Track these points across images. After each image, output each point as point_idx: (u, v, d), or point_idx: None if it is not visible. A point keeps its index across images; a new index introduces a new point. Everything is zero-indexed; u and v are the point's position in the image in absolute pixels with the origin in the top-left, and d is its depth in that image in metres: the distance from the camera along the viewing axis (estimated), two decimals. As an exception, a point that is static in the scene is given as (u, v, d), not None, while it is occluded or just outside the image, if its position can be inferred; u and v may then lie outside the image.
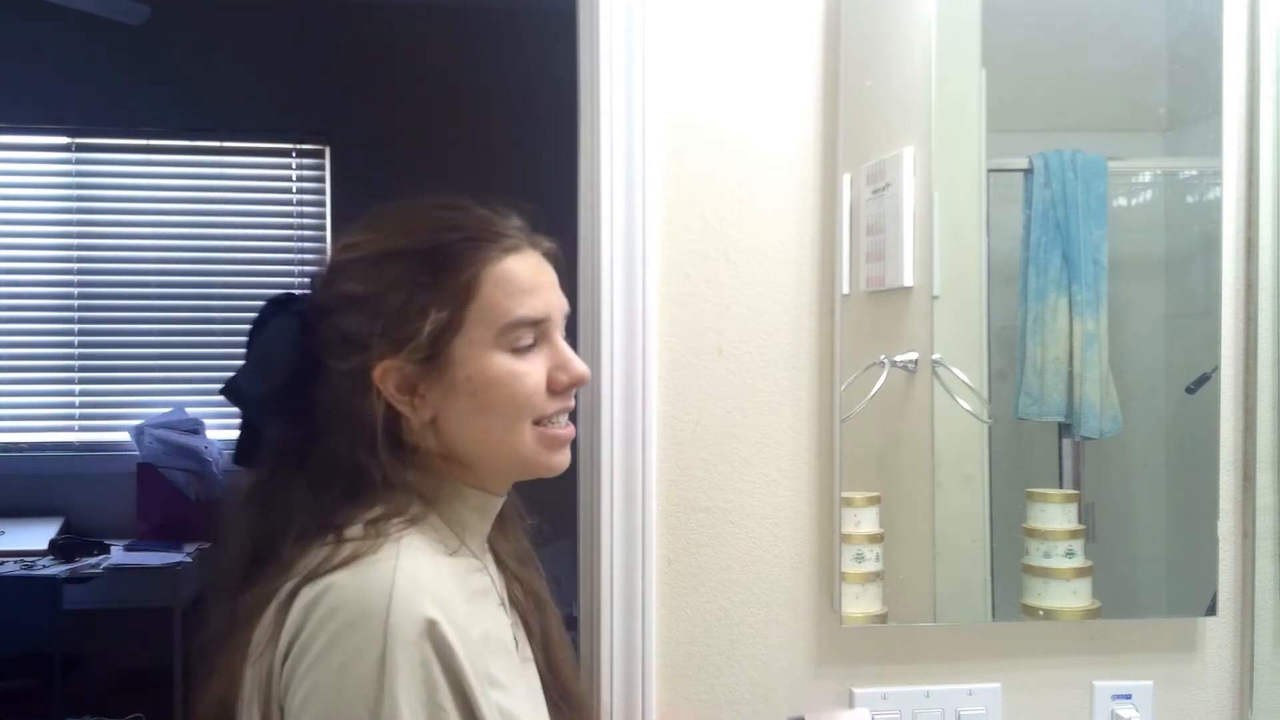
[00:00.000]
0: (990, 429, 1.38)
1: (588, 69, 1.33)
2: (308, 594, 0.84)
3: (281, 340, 0.93)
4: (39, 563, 3.54)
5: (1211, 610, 1.42)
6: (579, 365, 0.97)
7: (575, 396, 1.00)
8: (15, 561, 3.53)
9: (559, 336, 0.97)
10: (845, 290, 1.34)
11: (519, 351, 0.93)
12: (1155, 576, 1.46)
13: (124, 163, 4.22)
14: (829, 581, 1.36)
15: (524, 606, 1.05)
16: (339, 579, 0.84)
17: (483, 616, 0.93)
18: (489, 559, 1.01)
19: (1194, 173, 1.45)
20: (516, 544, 1.07)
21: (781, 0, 1.34)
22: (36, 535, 3.70)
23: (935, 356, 1.35)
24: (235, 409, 0.96)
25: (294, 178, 4.30)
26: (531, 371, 0.94)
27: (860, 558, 1.34)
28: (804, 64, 1.35)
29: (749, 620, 1.36)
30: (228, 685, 0.88)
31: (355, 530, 0.88)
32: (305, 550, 0.88)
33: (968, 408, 1.37)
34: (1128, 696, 1.41)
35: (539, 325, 0.94)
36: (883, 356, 1.34)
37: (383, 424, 0.91)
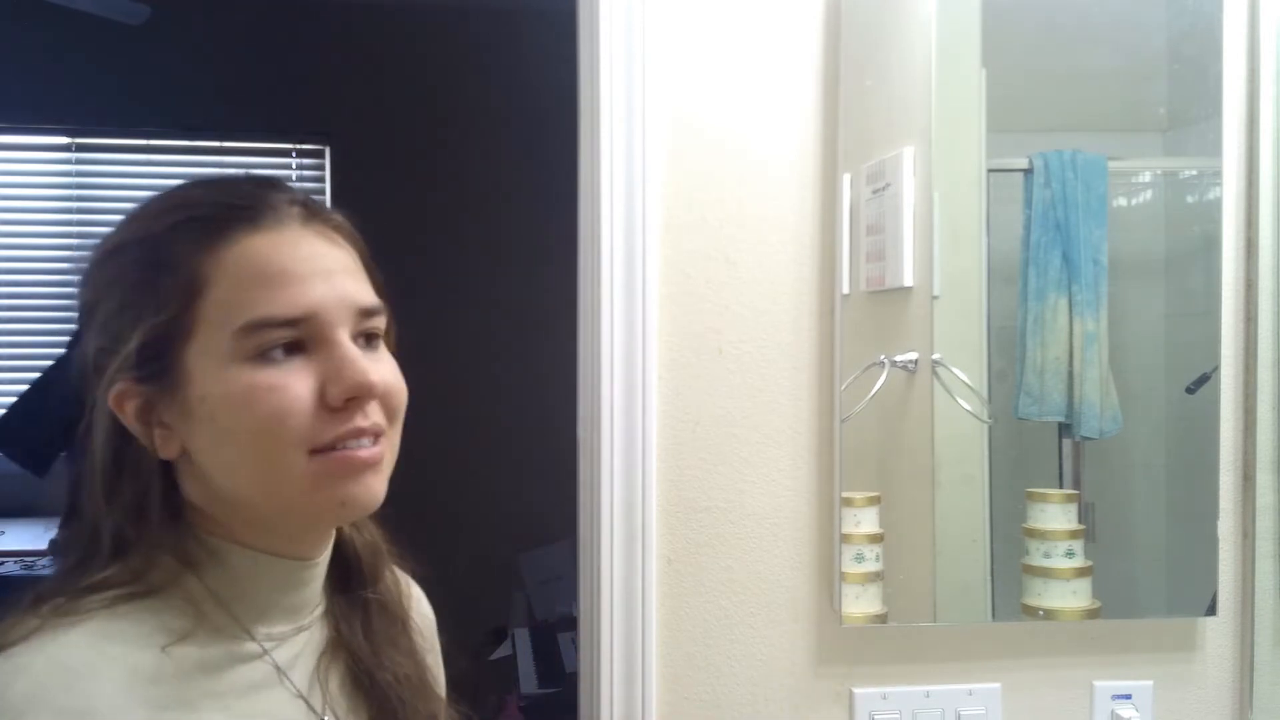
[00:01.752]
0: (990, 429, 1.38)
1: (588, 69, 1.33)
2: None
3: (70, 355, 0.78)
4: (39, 563, 3.54)
5: (1211, 610, 1.42)
6: (356, 372, 0.72)
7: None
8: (15, 561, 3.53)
9: (341, 337, 0.73)
10: (845, 290, 1.34)
11: (271, 361, 0.71)
12: (1155, 576, 1.46)
13: (124, 163, 4.22)
14: (829, 581, 1.36)
15: (379, 691, 0.83)
16: None
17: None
18: (305, 636, 0.80)
19: (1194, 173, 1.45)
20: (379, 635, 0.85)
21: (781, 0, 1.34)
22: (36, 535, 3.70)
23: (935, 356, 1.35)
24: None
25: (294, 178, 4.30)
26: (289, 385, 0.71)
27: (860, 558, 1.34)
28: (804, 64, 1.35)
29: (749, 620, 1.36)
30: None
31: (55, 602, 0.70)
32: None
33: (968, 408, 1.37)
34: (1128, 696, 1.41)
35: (298, 325, 0.72)
36: (883, 356, 1.34)
37: (113, 460, 0.73)
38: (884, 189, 1.34)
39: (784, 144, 1.35)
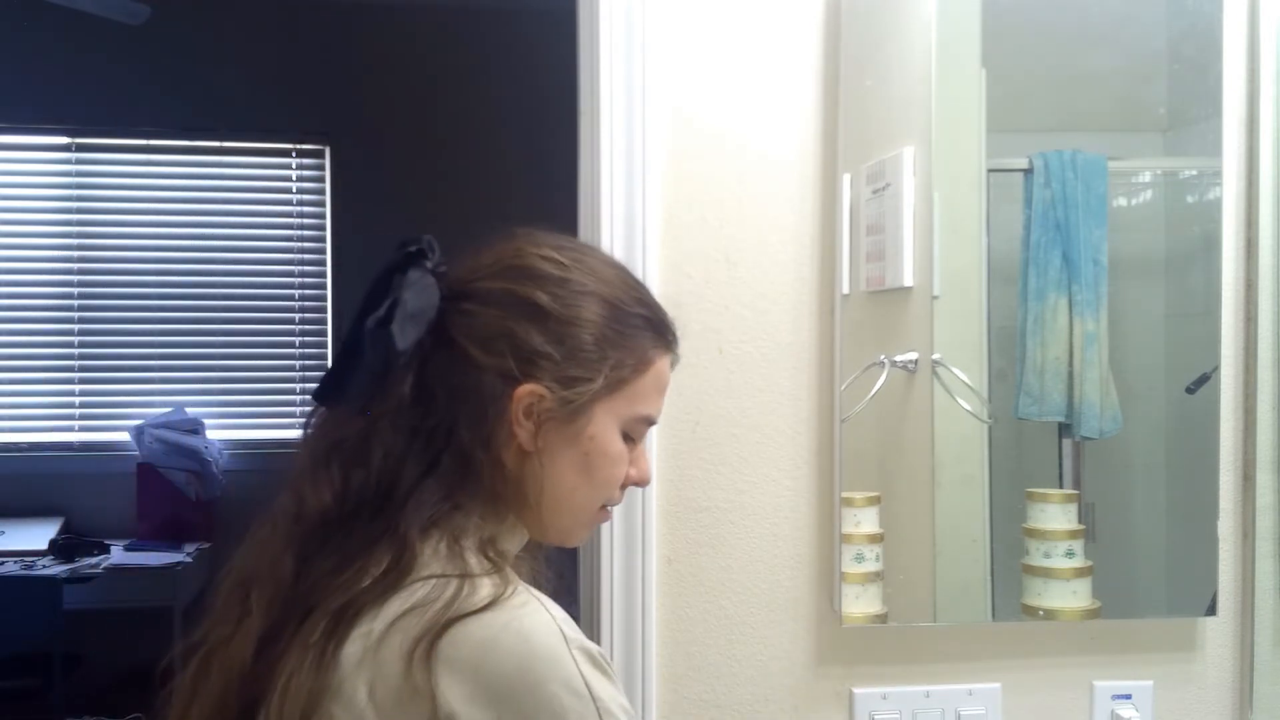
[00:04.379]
0: (990, 429, 1.38)
1: (588, 69, 1.33)
2: (469, 637, 0.80)
3: (426, 296, 0.90)
4: (39, 563, 3.54)
5: (1211, 610, 1.42)
6: (648, 469, 1.00)
7: None
8: (15, 561, 3.54)
9: (645, 440, 0.99)
10: (845, 290, 1.34)
11: (627, 440, 0.95)
12: (1155, 576, 1.46)
13: (124, 163, 4.22)
14: (829, 581, 1.36)
15: None
16: (500, 620, 0.82)
17: None
18: None
19: (1194, 173, 1.45)
20: None
21: (781, 1, 1.34)
22: (36, 535, 3.71)
23: (935, 356, 1.35)
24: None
25: (294, 178, 4.30)
26: (626, 461, 0.96)
27: (860, 558, 1.34)
28: (804, 64, 1.35)
29: (749, 620, 1.36)
30: (262, 675, 0.84)
31: (473, 560, 0.87)
32: (422, 546, 0.86)
33: (968, 408, 1.37)
34: (1128, 696, 1.41)
35: (651, 425, 0.98)
36: (883, 356, 1.34)
37: (504, 433, 0.90)
38: (884, 189, 1.34)
39: (784, 144, 1.35)
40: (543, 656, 0.81)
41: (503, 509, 0.92)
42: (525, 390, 0.89)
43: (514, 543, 0.95)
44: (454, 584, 0.83)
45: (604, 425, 0.93)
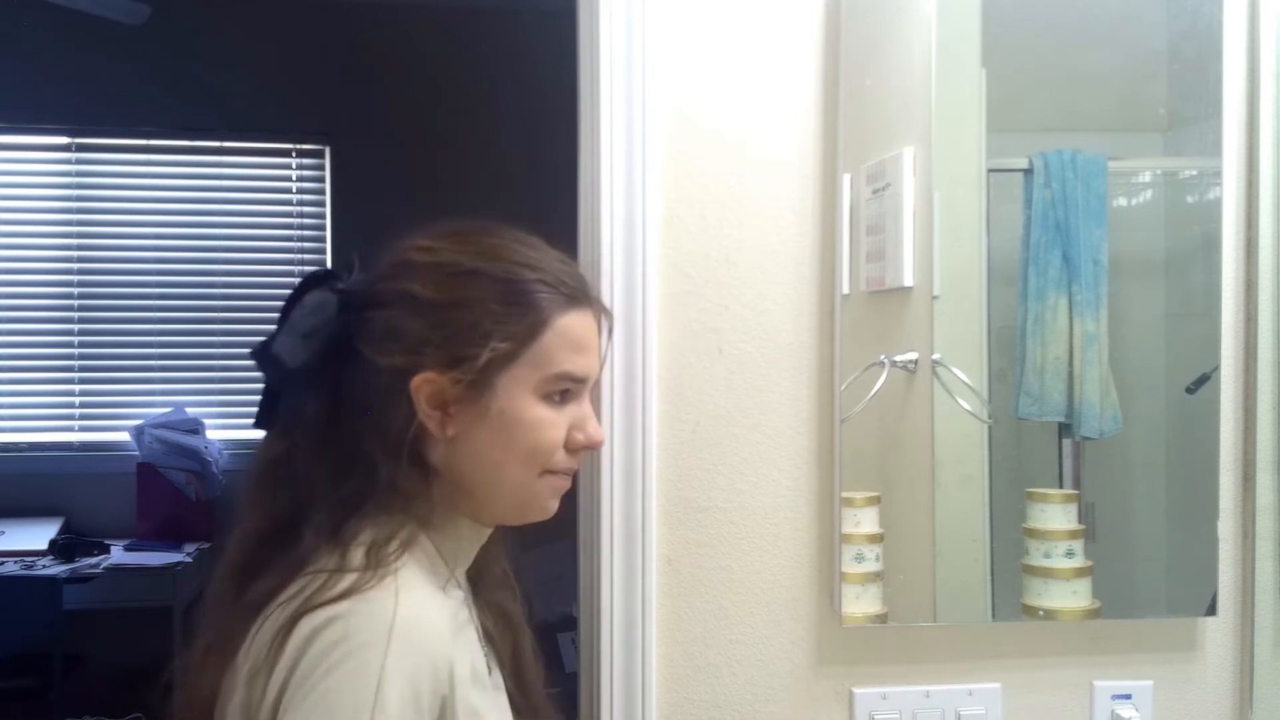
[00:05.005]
0: (990, 429, 1.38)
1: (588, 69, 1.33)
2: (308, 623, 0.84)
3: (320, 314, 0.93)
4: (39, 563, 3.54)
5: (1211, 610, 1.42)
6: (596, 430, 0.98)
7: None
8: (15, 561, 3.54)
9: (587, 398, 0.98)
10: (845, 290, 1.34)
11: (552, 402, 0.94)
12: (1155, 576, 1.46)
13: (124, 163, 4.22)
14: (829, 581, 1.36)
15: (497, 630, 1.05)
16: (341, 610, 0.84)
17: (467, 649, 0.94)
18: (465, 583, 1.01)
19: (1194, 173, 1.45)
20: (495, 568, 1.06)
21: (781, 1, 1.34)
22: (36, 535, 3.71)
23: (935, 356, 1.35)
24: (258, 377, 0.95)
25: (294, 178, 4.30)
26: (558, 424, 0.94)
27: (860, 558, 1.34)
28: (804, 64, 1.35)
29: (749, 620, 1.36)
30: (211, 689, 0.89)
31: (357, 556, 0.88)
32: (317, 552, 0.89)
33: (968, 408, 1.37)
34: (1128, 696, 1.41)
35: (579, 382, 0.96)
36: (883, 356, 1.34)
37: (411, 431, 0.91)
38: (884, 189, 1.34)
39: (784, 144, 1.35)
40: (351, 652, 0.82)
41: (423, 508, 0.93)
42: (419, 380, 0.91)
43: (454, 539, 0.96)
44: (322, 577, 0.86)
45: (513, 395, 0.92)
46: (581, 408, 0.97)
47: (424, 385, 0.91)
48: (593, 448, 0.99)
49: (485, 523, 0.99)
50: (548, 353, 0.93)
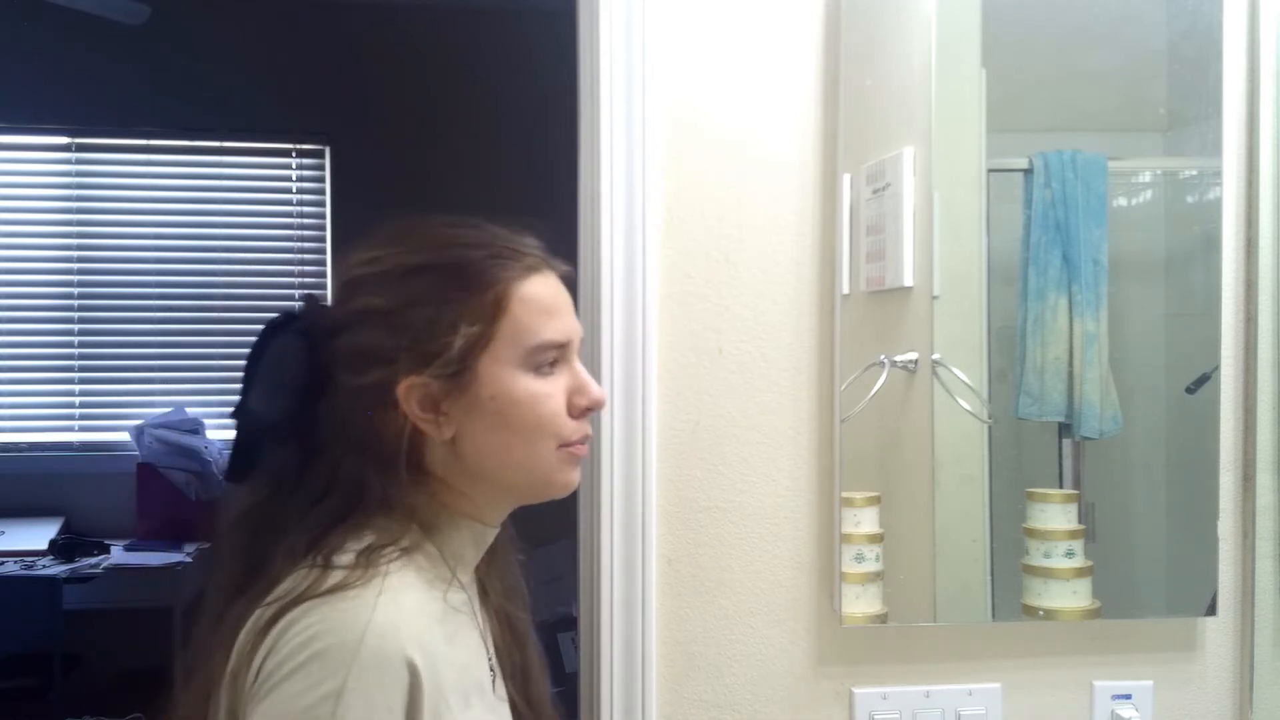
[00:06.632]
0: (990, 429, 1.38)
1: (588, 70, 1.33)
2: (286, 619, 0.83)
3: (288, 360, 0.92)
4: (39, 563, 3.54)
5: (1211, 610, 1.42)
6: (596, 390, 0.95)
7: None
8: (15, 561, 3.53)
9: (576, 360, 0.96)
10: (845, 290, 1.34)
11: (542, 373, 0.92)
12: (1155, 576, 1.46)
13: (124, 163, 4.22)
14: (829, 581, 1.36)
15: (505, 641, 1.03)
16: (317, 608, 0.83)
17: (462, 654, 0.92)
18: (474, 591, 0.99)
19: (1194, 173, 1.45)
20: (505, 576, 1.04)
21: (781, 1, 1.34)
22: (36, 535, 3.70)
23: (935, 356, 1.35)
24: (234, 424, 0.94)
25: (294, 178, 4.30)
26: (554, 394, 0.92)
27: (860, 558, 1.34)
28: (804, 64, 1.35)
29: (749, 620, 1.36)
30: (202, 700, 0.88)
31: (345, 558, 0.86)
32: (293, 568, 0.87)
33: (968, 408, 1.37)
34: (1128, 696, 1.41)
35: (562, 348, 0.93)
36: (883, 356, 1.34)
37: (404, 440, 0.90)
38: (884, 189, 1.34)
39: (784, 144, 1.35)
40: (316, 655, 0.80)
41: (426, 514, 0.92)
42: (404, 387, 0.89)
43: (456, 541, 0.94)
44: (315, 573, 0.85)
45: (498, 376, 0.90)
46: (575, 372, 0.95)
47: (410, 391, 0.89)
48: (595, 409, 0.96)
49: (488, 521, 0.97)
50: (521, 325, 0.91)
